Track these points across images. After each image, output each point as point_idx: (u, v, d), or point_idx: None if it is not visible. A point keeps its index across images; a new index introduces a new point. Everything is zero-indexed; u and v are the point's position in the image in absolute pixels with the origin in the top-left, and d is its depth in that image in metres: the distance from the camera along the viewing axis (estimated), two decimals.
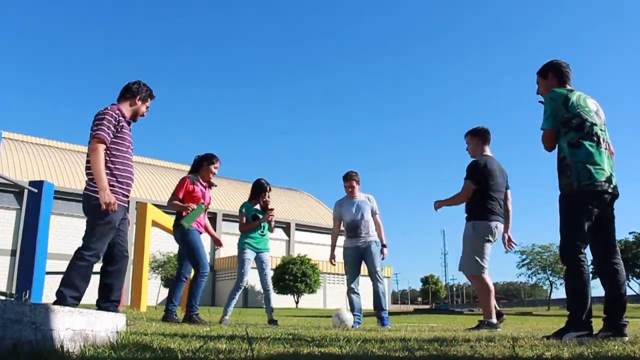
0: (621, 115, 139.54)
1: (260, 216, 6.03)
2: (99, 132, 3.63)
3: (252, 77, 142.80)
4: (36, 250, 5.22)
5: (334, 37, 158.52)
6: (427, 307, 55.92)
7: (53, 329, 1.62)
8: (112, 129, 3.69)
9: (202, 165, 5.53)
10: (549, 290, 53.23)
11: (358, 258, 5.84)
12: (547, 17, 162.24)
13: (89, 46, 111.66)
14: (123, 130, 3.78)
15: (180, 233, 5.26)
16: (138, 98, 3.91)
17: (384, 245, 5.95)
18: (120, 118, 3.77)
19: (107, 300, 3.77)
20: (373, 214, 5.98)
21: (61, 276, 3.57)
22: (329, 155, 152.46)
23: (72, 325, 1.74)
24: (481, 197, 4.77)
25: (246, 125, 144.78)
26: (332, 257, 6.06)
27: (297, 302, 32.91)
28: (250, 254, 5.95)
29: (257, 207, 6.09)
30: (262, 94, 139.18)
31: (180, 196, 5.36)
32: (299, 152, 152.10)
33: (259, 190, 6.12)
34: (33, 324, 1.53)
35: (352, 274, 5.84)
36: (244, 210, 6.08)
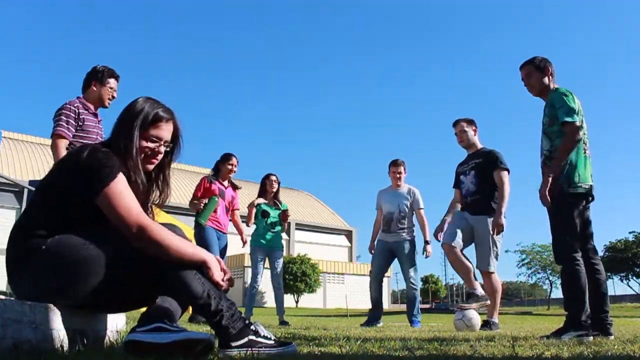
0: (622, 115, 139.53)
1: (269, 211, 5.94)
2: (58, 127, 3.65)
3: (251, 75, 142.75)
4: None
5: (333, 36, 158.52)
6: (427, 306, 55.85)
7: (53, 329, 1.62)
8: (73, 122, 3.69)
9: (219, 167, 5.56)
10: (548, 290, 53.30)
11: (386, 254, 5.60)
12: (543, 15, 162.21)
13: (90, 46, 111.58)
14: (86, 122, 3.76)
15: (197, 231, 5.28)
16: (94, 82, 3.86)
17: (426, 242, 5.60)
18: (82, 110, 3.75)
19: None
20: (415, 208, 5.65)
21: None
22: (330, 154, 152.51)
23: (71, 324, 1.73)
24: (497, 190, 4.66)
25: (245, 125, 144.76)
26: (372, 247, 5.81)
27: (297, 302, 32.91)
28: (260, 252, 5.84)
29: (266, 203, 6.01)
30: (262, 93, 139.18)
31: (199, 195, 5.37)
32: (300, 151, 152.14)
33: (263, 181, 6.08)
34: (33, 324, 1.53)
35: (376, 268, 5.61)
36: (255, 203, 6.06)
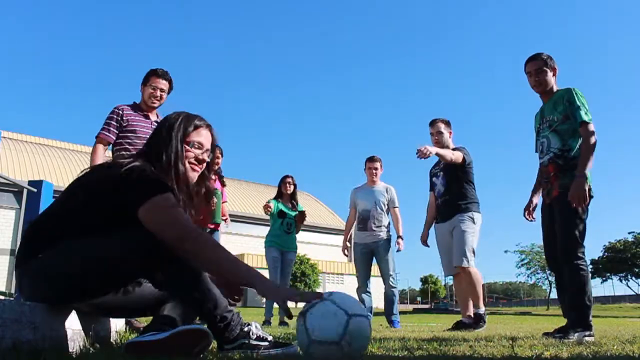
0: (622, 114, 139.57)
1: (287, 212, 6.00)
2: (100, 131, 3.74)
3: (251, 75, 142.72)
4: None
5: (334, 36, 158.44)
6: (427, 306, 55.91)
7: (52, 329, 1.62)
8: (114, 124, 3.74)
9: None
10: (548, 290, 53.28)
11: (368, 255, 5.58)
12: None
13: (90, 45, 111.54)
14: (132, 123, 3.77)
15: None
16: (141, 86, 3.89)
17: (399, 237, 5.63)
18: (127, 112, 3.79)
19: None
20: (391, 206, 5.67)
21: None
22: (330, 155, 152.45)
23: (71, 325, 1.73)
24: (473, 187, 4.69)
25: (245, 125, 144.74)
26: (345, 247, 5.83)
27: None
28: (275, 252, 5.90)
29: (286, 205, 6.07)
30: (262, 93, 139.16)
31: None
32: (299, 152, 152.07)
33: (280, 183, 6.14)
34: (32, 324, 1.53)
35: (362, 271, 5.60)
36: (270, 203, 6.07)
